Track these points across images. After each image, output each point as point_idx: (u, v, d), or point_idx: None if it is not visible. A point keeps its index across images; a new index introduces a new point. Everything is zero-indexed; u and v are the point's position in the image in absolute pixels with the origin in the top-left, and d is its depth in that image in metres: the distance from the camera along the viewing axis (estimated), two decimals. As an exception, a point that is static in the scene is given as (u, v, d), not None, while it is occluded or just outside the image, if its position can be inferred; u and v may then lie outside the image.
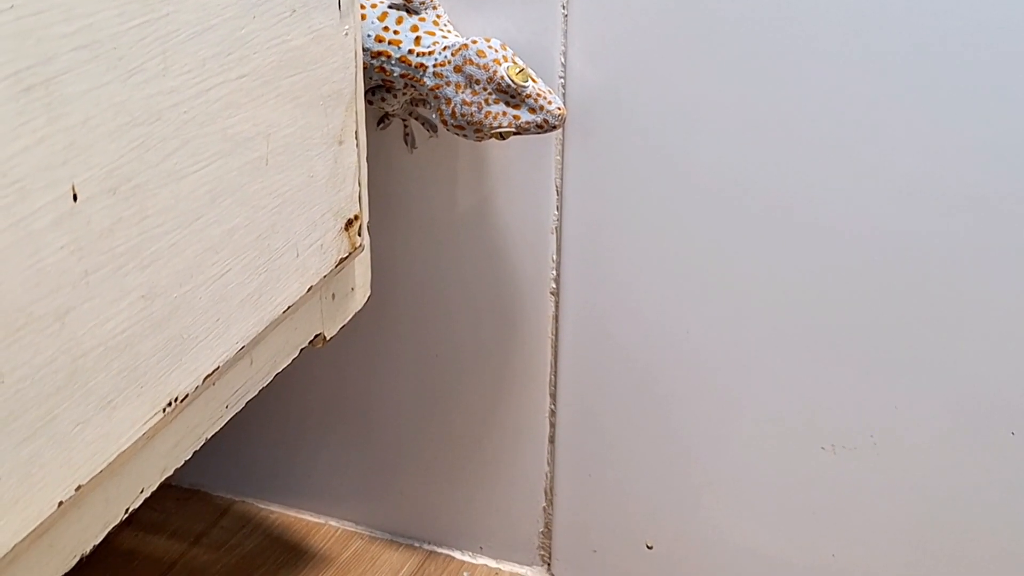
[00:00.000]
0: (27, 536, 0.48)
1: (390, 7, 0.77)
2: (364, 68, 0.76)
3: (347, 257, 0.73)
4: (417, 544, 1.02)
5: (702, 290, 0.83)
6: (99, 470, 0.52)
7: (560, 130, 0.79)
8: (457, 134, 0.76)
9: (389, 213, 0.89)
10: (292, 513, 1.07)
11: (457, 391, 0.94)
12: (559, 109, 0.73)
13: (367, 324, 0.93)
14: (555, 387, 0.91)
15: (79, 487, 0.50)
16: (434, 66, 0.75)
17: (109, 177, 0.49)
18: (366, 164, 0.74)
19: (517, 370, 0.91)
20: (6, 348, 0.45)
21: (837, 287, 0.79)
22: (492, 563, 1.00)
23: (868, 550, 0.86)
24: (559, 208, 0.84)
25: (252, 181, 0.60)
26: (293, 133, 0.64)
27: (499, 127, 0.74)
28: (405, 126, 0.85)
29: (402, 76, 0.76)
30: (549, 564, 0.98)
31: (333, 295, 0.75)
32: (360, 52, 0.70)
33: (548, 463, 0.94)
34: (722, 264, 0.81)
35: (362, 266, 0.78)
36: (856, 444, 0.82)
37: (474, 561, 1.01)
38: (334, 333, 0.77)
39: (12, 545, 0.47)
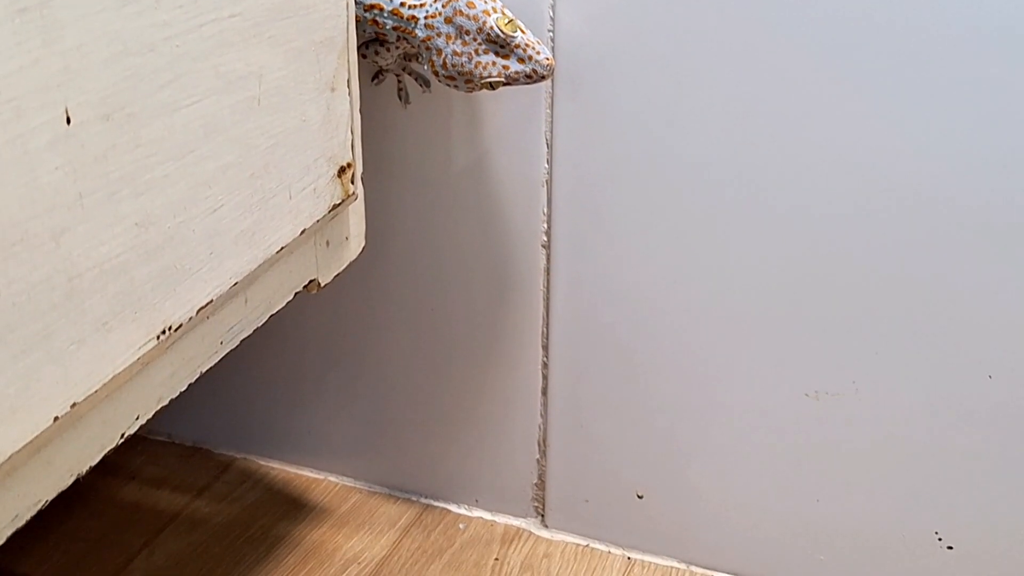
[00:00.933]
0: (24, 447, 0.50)
1: (383, -39, 0.79)
2: (357, 21, 0.78)
3: (340, 204, 0.75)
4: (414, 498, 1.05)
5: (691, 241, 0.84)
6: (94, 390, 0.54)
7: (549, 83, 0.81)
8: (448, 85, 0.77)
9: (383, 167, 0.90)
10: (292, 469, 1.09)
11: (450, 346, 0.96)
12: (547, 59, 0.75)
13: (362, 279, 0.95)
14: (547, 339, 0.92)
15: (75, 404, 0.52)
16: (425, 18, 0.77)
17: (103, 104, 0.51)
18: (359, 115, 0.76)
19: (509, 323, 0.93)
20: (2, 262, 0.47)
21: (820, 238, 0.81)
22: (487, 515, 1.02)
23: (851, 495, 0.87)
24: (549, 161, 0.86)
25: (245, 120, 0.62)
26: (285, 76, 0.66)
27: (489, 77, 0.76)
28: (399, 81, 0.87)
29: (394, 28, 0.78)
30: (543, 515, 1.00)
31: (327, 242, 0.77)
32: (352, 2, 0.72)
33: (541, 415, 0.96)
34: (711, 215, 0.83)
35: (356, 215, 0.80)
36: (839, 390, 0.84)
37: (470, 514, 1.03)
38: (328, 280, 0.79)
39: (9, 454, 0.49)
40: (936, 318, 0.80)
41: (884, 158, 0.77)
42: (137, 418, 0.60)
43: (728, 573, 0.94)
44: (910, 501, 0.86)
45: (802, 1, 0.75)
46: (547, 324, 0.92)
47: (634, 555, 0.97)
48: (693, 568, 0.95)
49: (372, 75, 0.86)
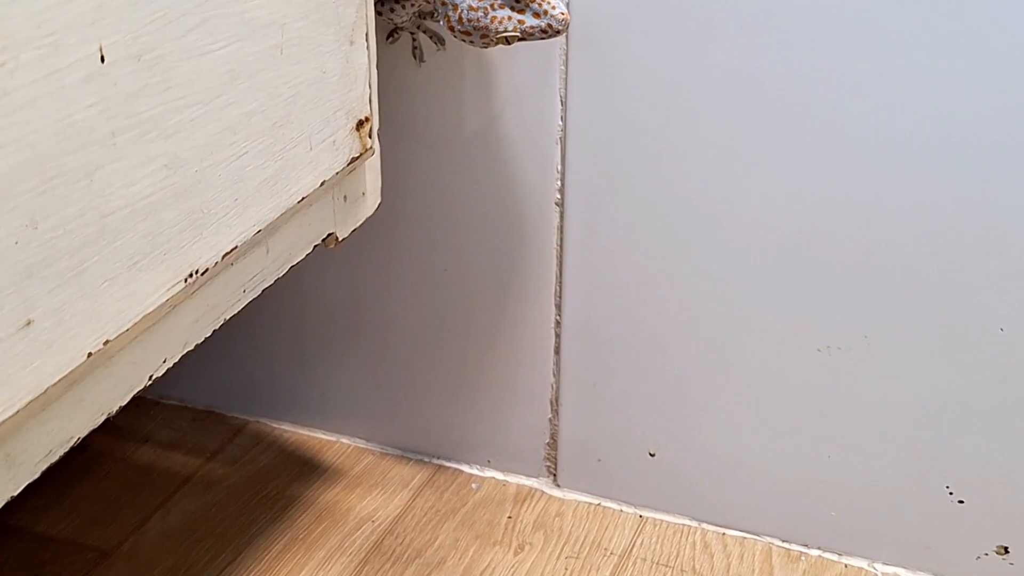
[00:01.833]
0: (59, 381, 0.51)
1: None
2: (374, -23, 0.78)
3: (358, 157, 0.75)
4: (427, 459, 1.05)
5: (705, 200, 0.85)
6: (126, 328, 0.54)
7: (564, 39, 0.82)
8: (463, 40, 0.78)
9: (398, 125, 0.91)
10: (304, 431, 1.10)
11: (464, 305, 0.97)
12: (563, 14, 0.75)
13: (376, 239, 0.96)
14: (560, 298, 0.93)
15: (107, 341, 0.53)
16: (442, -28, 0.77)
17: (134, 43, 0.51)
18: (376, 70, 0.77)
19: (523, 281, 0.94)
20: (39, 195, 0.47)
21: (833, 191, 0.81)
22: (500, 475, 1.03)
23: (862, 449, 0.88)
24: (563, 118, 0.86)
25: (268, 68, 0.63)
26: (306, 27, 0.66)
27: (504, 32, 0.76)
28: (413, 39, 0.87)
29: (411, -16, 0.79)
30: (555, 475, 1.01)
31: (345, 197, 0.78)
32: (370, -44, 0.73)
33: (554, 374, 0.97)
34: (726, 174, 0.84)
35: (372, 171, 0.81)
36: (851, 344, 0.85)
37: (482, 474, 1.04)
38: (346, 235, 0.79)
39: (45, 387, 0.50)
40: (947, 272, 0.81)
41: (898, 103, 0.77)
42: (164, 361, 0.61)
43: (740, 530, 0.95)
44: (921, 455, 0.87)
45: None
46: (560, 283, 0.92)
47: (646, 513, 0.98)
48: (705, 526, 0.96)
49: (387, 33, 0.87)
